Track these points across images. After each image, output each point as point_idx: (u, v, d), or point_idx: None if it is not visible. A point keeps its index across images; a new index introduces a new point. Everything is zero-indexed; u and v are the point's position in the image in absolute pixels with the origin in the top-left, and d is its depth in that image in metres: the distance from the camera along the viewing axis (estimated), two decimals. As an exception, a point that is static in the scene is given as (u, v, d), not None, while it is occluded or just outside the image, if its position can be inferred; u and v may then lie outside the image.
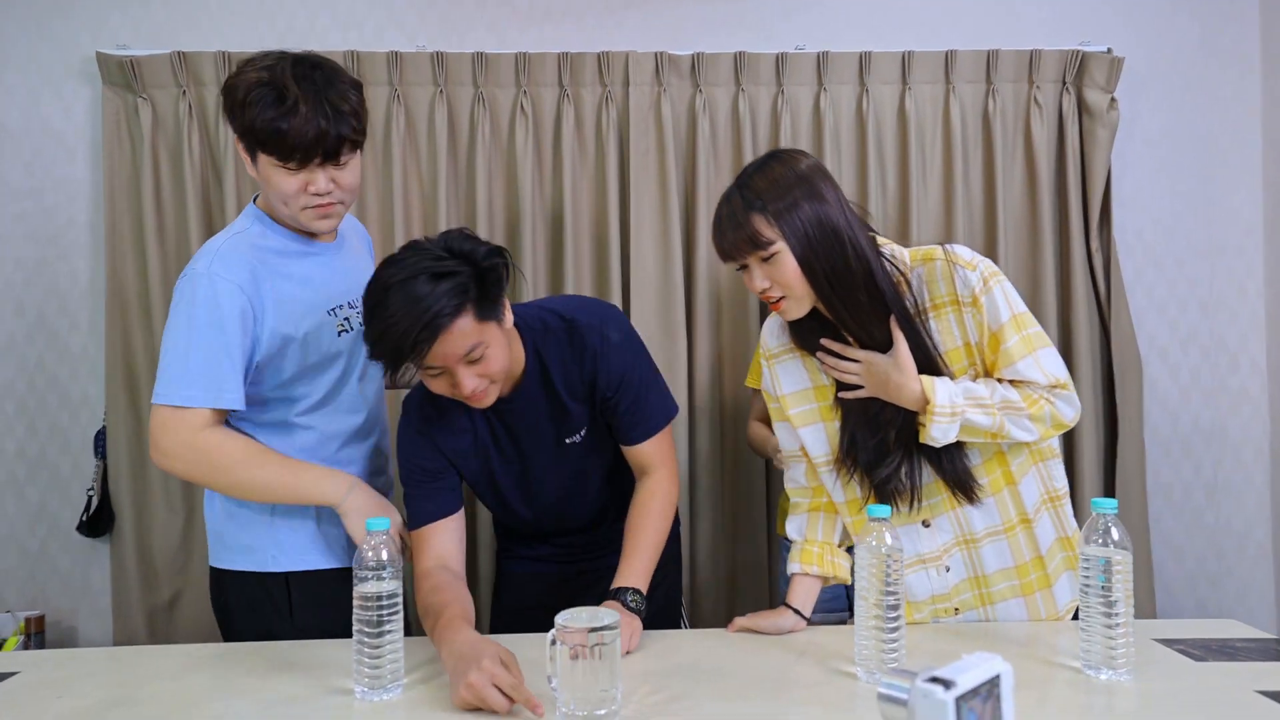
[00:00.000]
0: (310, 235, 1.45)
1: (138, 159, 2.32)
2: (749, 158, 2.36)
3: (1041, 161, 2.40)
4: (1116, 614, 1.13)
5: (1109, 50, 2.41)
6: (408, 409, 1.44)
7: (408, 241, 1.30)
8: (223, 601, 1.50)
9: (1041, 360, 1.28)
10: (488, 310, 1.25)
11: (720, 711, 1.06)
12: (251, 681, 1.19)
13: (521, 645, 1.17)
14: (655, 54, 2.35)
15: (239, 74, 1.33)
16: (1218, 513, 2.55)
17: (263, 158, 1.33)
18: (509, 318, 1.32)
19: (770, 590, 2.37)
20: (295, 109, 1.27)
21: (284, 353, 1.40)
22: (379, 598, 1.12)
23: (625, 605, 1.31)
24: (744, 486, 2.38)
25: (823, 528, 1.46)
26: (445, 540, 1.39)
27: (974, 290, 1.26)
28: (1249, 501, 2.55)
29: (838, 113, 2.41)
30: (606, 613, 1.00)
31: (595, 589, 1.45)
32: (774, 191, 1.24)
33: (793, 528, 1.48)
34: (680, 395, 2.32)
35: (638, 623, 1.31)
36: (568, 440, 1.46)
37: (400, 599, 1.15)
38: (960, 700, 0.58)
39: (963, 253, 1.29)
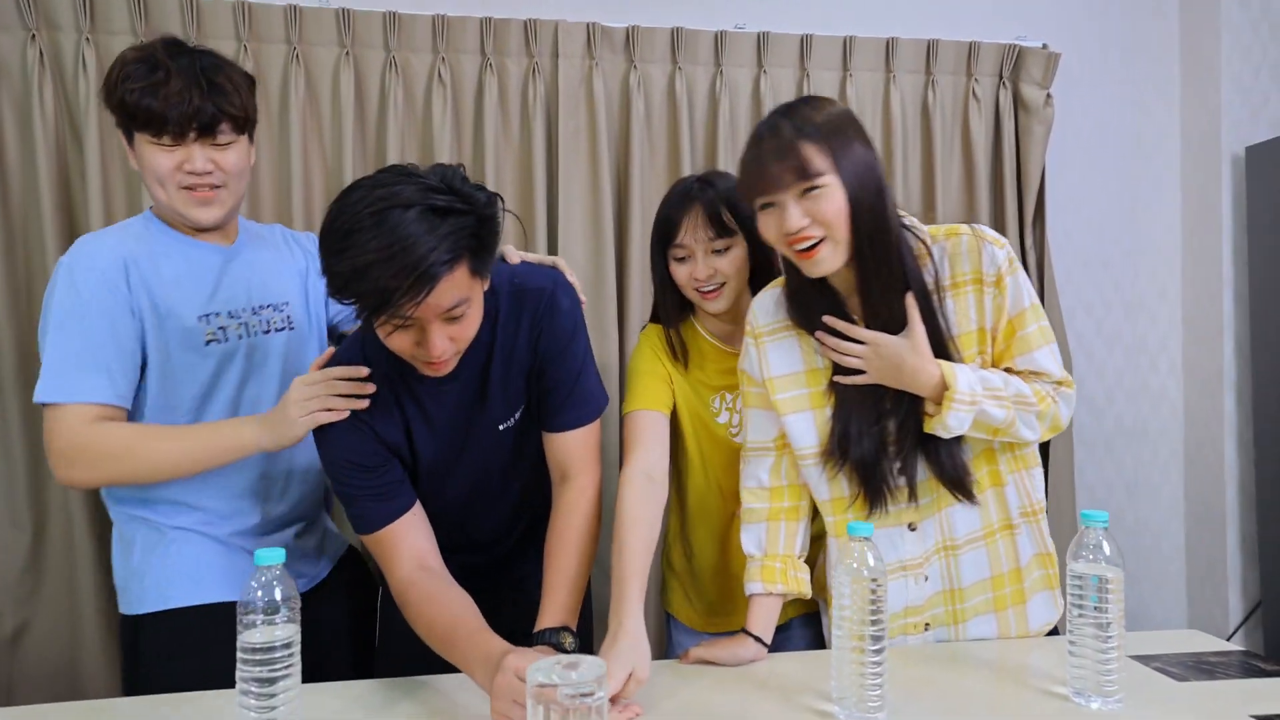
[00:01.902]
0: (198, 234, 1.36)
1: (-26, 113, 1.97)
2: (686, 140, 2.23)
3: (979, 156, 2.36)
4: (1110, 636, 1.04)
5: (1044, 46, 2.39)
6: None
7: (389, 165, 1.09)
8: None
9: (1054, 353, 1.22)
10: (481, 265, 1.07)
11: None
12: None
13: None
14: (587, 25, 2.17)
15: (115, 60, 1.29)
16: (1137, 512, 2.59)
17: (138, 138, 1.28)
18: (489, 279, 1.14)
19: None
20: (168, 80, 1.24)
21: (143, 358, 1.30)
22: (270, 649, 0.91)
23: (555, 649, 1.12)
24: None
25: (784, 539, 1.31)
26: (415, 538, 1.19)
27: (1000, 269, 1.19)
28: (1165, 500, 2.60)
29: (778, 96, 2.29)
30: (587, 661, 0.83)
31: (509, 619, 1.25)
32: (829, 124, 1.13)
33: (750, 540, 1.32)
34: (610, 396, 2.15)
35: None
36: (501, 426, 1.27)
37: (298, 646, 0.94)
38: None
39: (989, 231, 1.21)
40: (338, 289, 1.01)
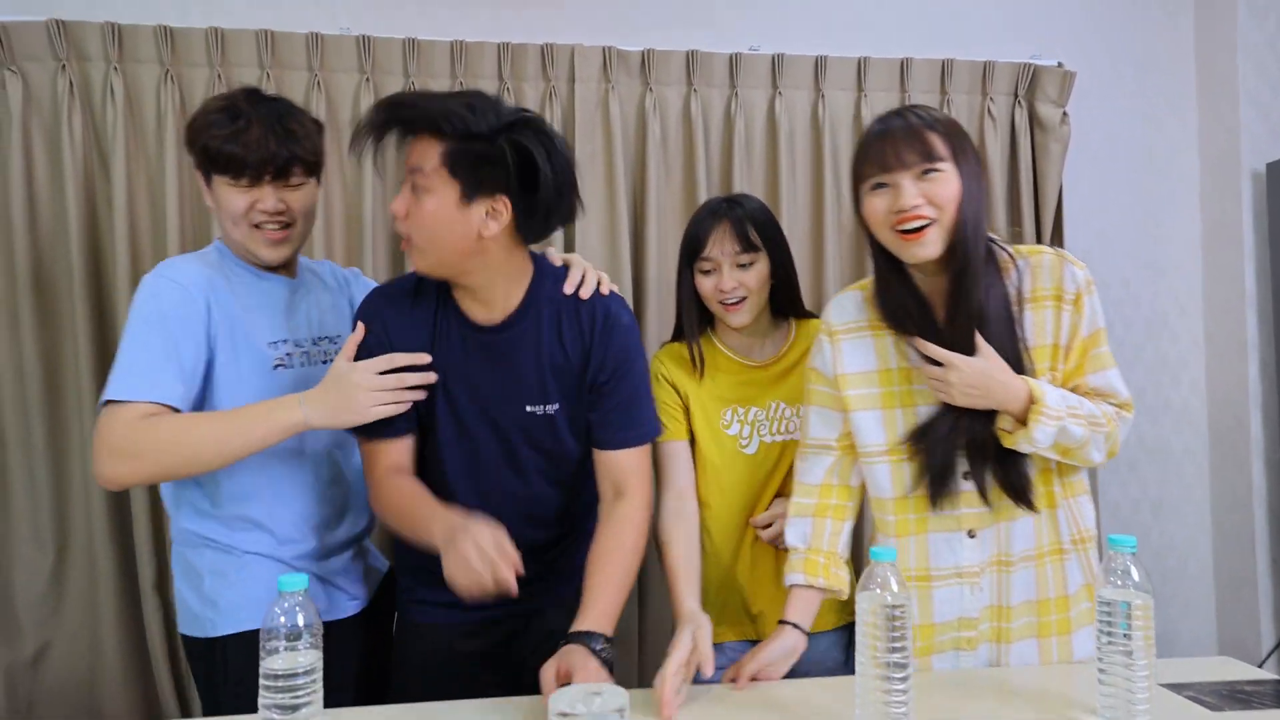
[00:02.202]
0: (265, 268, 1.43)
1: (4, 141, 2.00)
2: (701, 161, 2.24)
3: (996, 174, 2.35)
4: (1139, 664, 1.03)
5: (1060, 64, 2.39)
6: (371, 310, 1.31)
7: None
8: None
9: (1120, 375, 1.26)
10: (457, 165, 1.17)
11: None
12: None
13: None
14: (603, 48, 2.19)
15: (199, 108, 1.39)
16: (1163, 530, 2.55)
17: (216, 180, 1.36)
18: (486, 225, 1.20)
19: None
20: (248, 128, 1.33)
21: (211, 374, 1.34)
22: (293, 675, 0.91)
23: (593, 652, 1.11)
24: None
25: (829, 535, 1.33)
26: (398, 453, 1.28)
27: (1079, 288, 1.23)
28: (1190, 519, 2.56)
29: (793, 117, 2.30)
30: (609, 690, 0.82)
31: (522, 647, 1.28)
32: (951, 123, 1.22)
33: (795, 534, 1.34)
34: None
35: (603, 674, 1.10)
36: (531, 409, 1.29)
37: (320, 673, 0.95)
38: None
39: (1070, 254, 1.27)
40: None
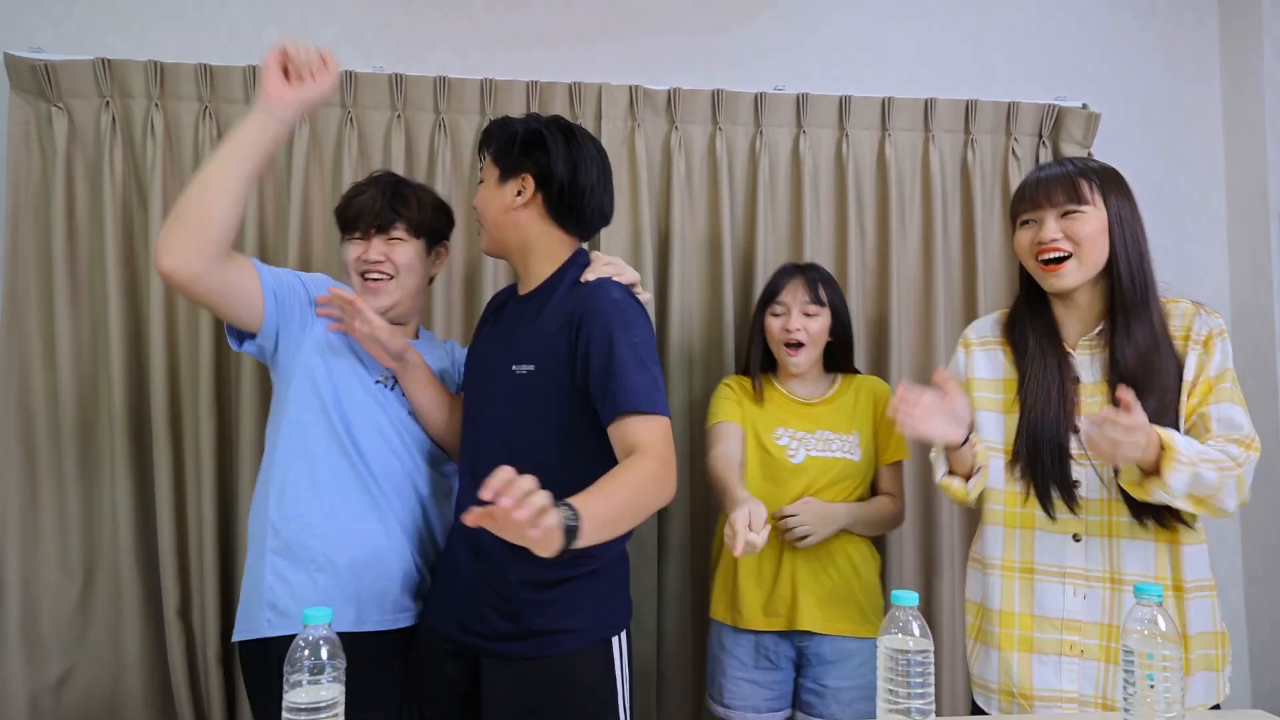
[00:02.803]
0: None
1: (48, 174, 2.07)
2: (726, 198, 2.26)
3: (1020, 214, 2.36)
4: (1160, 713, 1.01)
5: (1084, 105, 2.39)
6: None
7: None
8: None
9: (1246, 414, 1.30)
10: (501, 160, 1.49)
11: None
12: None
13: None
14: (630, 87, 2.24)
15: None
16: (1192, 576, 2.50)
17: (344, 238, 1.63)
18: (515, 200, 1.46)
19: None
20: (365, 191, 1.61)
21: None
22: (315, 709, 0.92)
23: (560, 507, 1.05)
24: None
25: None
26: None
27: (1211, 332, 1.33)
28: (1221, 564, 2.51)
29: (817, 156, 2.32)
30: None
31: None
32: (1106, 171, 1.39)
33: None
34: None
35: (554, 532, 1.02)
36: (514, 367, 1.42)
37: (341, 707, 0.95)
38: None
39: (1213, 311, 1.37)
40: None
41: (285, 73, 1.37)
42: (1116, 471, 1.29)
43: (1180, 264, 2.55)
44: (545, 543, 1.00)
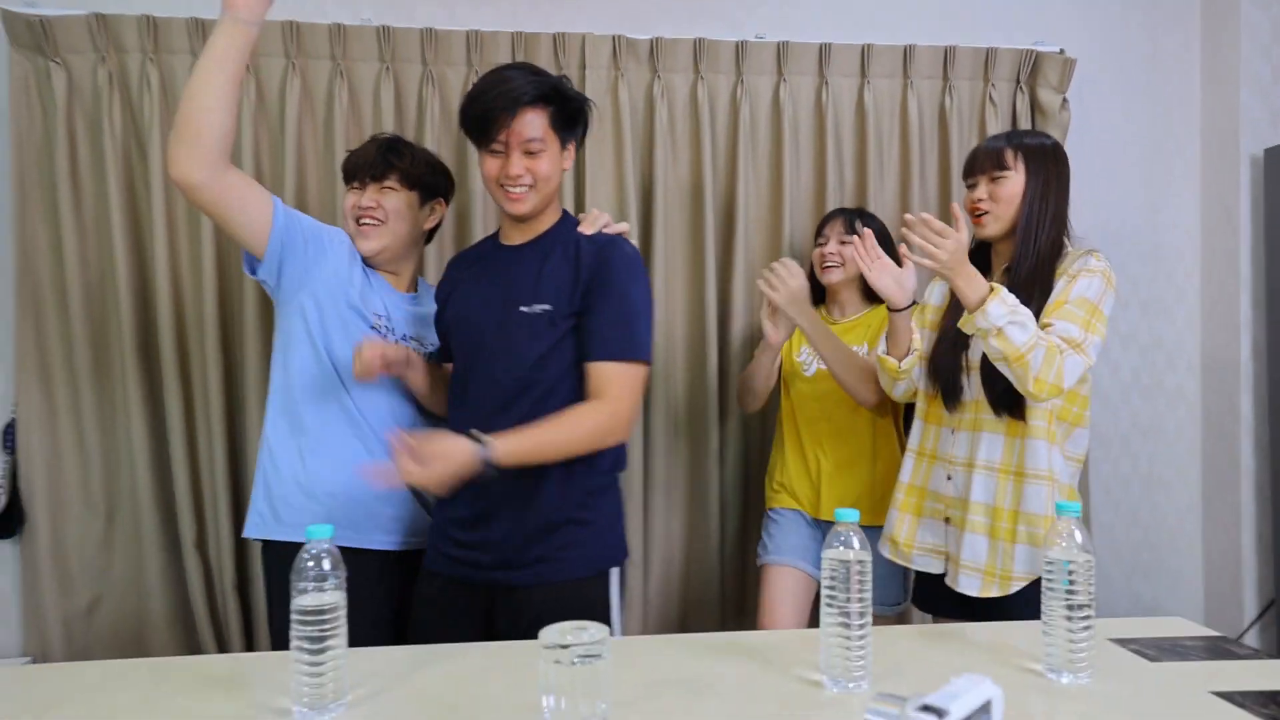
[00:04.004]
0: (388, 275, 1.75)
1: (50, 129, 2.14)
2: (708, 146, 2.32)
3: (995, 160, 2.41)
4: (1078, 617, 1.13)
5: (1061, 51, 2.43)
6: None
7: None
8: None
9: (1084, 329, 1.51)
10: (562, 125, 1.49)
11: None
12: (180, 701, 1.10)
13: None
14: (613, 37, 2.28)
15: None
16: (1153, 506, 2.63)
17: (346, 191, 1.74)
18: (568, 160, 1.54)
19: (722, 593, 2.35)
20: (366, 149, 1.73)
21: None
22: (320, 612, 1.04)
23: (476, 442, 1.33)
24: (699, 489, 2.35)
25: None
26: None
27: (1082, 268, 1.57)
28: (1181, 496, 2.64)
29: (797, 103, 2.38)
30: (593, 626, 0.95)
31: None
32: (1035, 145, 1.65)
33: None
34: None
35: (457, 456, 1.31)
36: (523, 308, 1.46)
37: (343, 612, 1.08)
38: (955, 731, 0.55)
39: (1103, 255, 1.60)
40: (465, 127, 1.49)
41: None
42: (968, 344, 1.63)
43: (1152, 208, 2.62)
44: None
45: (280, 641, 1.55)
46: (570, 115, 1.51)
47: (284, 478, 1.62)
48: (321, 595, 1.05)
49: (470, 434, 1.34)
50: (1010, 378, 1.50)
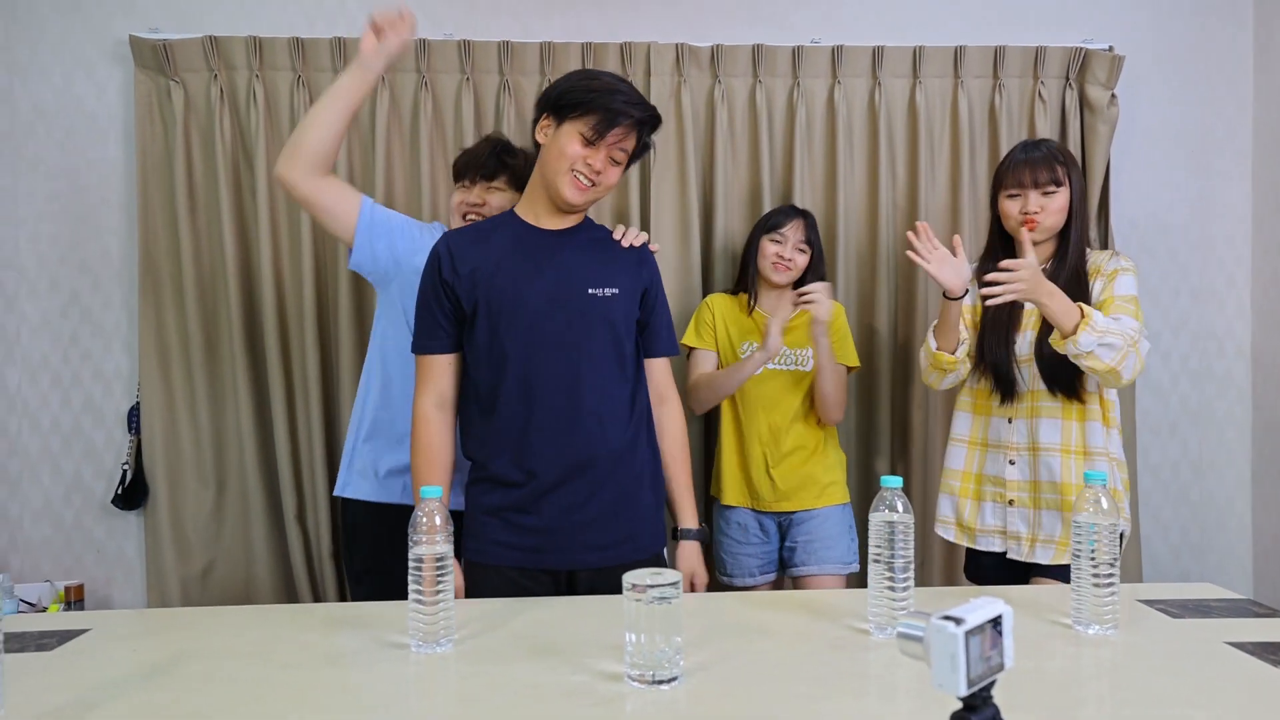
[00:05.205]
0: None
1: (170, 141, 2.39)
2: (766, 148, 2.45)
3: (1043, 154, 2.49)
4: (1103, 575, 1.25)
5: (1110, 48, 2.49)
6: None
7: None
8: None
9: (1136, 320, 1.71)
10: (637, 153, 1.62)
11: (770, 663, 1.17)
12: (311, 636, 1.28)
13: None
14: (676, 45, 2.43)
15: None
16: (1202, 489, 2.68)
17: (455, 187, 1.91)
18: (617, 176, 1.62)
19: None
20: (479, 148, 1.89)
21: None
22: (436, 560, 1.22)
23: (700, 540, 1.67)
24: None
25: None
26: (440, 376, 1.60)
27: (1116, 268, 1.79)
28: (1230, 479, 2.68)
29: (851, 105, 2.49)
30: (668, 573, 1.10)
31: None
32: (1068, 154, 1.84)
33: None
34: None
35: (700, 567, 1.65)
36: (592, 290, 1.56)
37: (451, 561, 1.25)
38: (968, 634, 0.69)
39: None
40: (569, 101, 1.51)
41: (377, 33, 1.65)
42: (1044, 353, 1.75)
43: (1203, 199, 2.66)
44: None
45: (356, 584, 1.82)
46: (638, 151, 1.63)
47: (369, 445, 1.81)
48: (435, 547, 1.23)
49: (678, 533, 1.69)
50: (1096, 379, 1.70)
